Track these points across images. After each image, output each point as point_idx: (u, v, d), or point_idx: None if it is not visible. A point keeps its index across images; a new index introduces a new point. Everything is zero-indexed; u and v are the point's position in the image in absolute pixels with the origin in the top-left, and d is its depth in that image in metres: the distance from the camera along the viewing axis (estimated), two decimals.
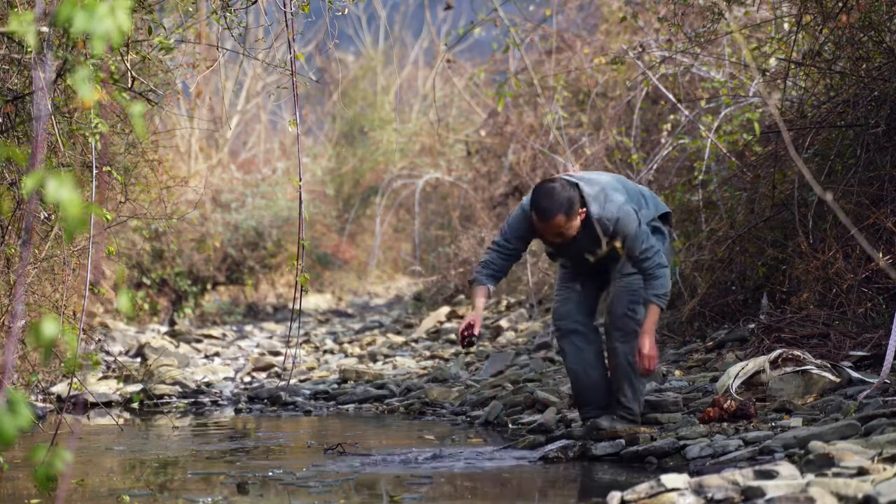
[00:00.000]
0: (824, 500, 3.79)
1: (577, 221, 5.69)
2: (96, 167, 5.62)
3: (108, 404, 8.78)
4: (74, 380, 6.88)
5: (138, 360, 10.65)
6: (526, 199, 5.85)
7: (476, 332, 5.72)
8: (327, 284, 20.04)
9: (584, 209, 5.71)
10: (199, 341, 12.92)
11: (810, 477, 4.13)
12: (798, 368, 6.07)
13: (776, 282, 7.78)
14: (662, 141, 10.01)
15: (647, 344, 5.67)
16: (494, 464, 5.68)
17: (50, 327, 2.11)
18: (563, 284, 6.11)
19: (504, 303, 12.62)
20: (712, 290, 8.27)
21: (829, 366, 6.08)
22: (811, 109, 7.34)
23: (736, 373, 6.11)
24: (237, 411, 8.61)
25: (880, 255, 6.19)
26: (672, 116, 10.06)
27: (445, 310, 12.80)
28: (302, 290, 5.80)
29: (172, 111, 11.56)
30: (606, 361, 6.02)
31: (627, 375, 5.88)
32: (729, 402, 5.77)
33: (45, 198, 2.06)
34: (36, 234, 6.69)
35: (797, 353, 6.11)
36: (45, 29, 4.21)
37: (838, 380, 6.00)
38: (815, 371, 6.03)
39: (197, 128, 14.44)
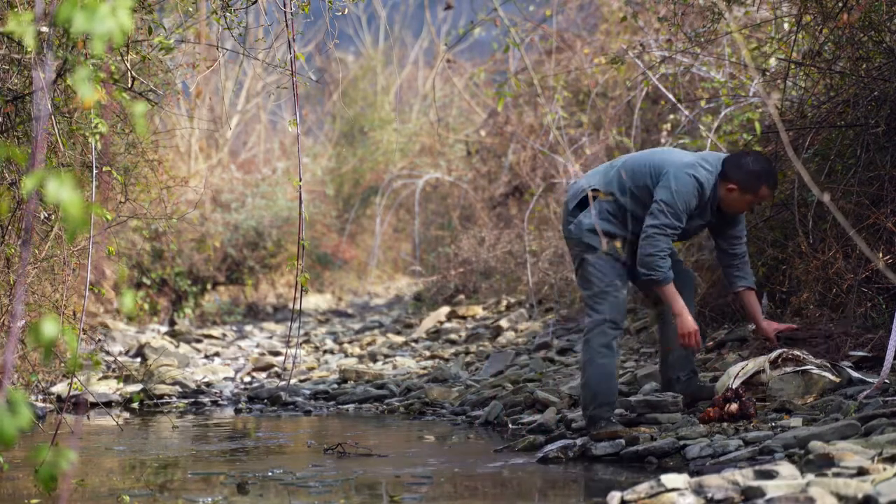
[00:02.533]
0: (824, 500, 3.79)
1: None
2: (96, 167, 5.62)
3: (108, 404, 8.78)
4: (74, 380, 6.88)
5: (138, 360, 10.65)
6: (700, 171, 5.83)
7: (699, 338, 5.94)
8: (327, 284, 20.04)
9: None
10: (199, 341, 12.91)
11: (810, 477, 4.13)
12: (798, 368, 6.07)
13: (776, 282, 7.78)
14: (662, 141, 10.01)
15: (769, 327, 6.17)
16: (494, 464, 5.68)
17: (50, 327, 2.11)
18: (617, 281, 5.94)
19: (504, 303, 12.62)
20: (712, 290, 8.26)
21: (828, 365, 6.08)
22: (811, 109, 7.34)
23: (736, 373, 6.11)
24: (237, 411, 8.61)
25: (880, 255, 6.19)
26: (672, 116, 10.06)
27: (445, 310, 12.80)
28: (302, 290, 5.80)
29: (172, 111, 11.56)
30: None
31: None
32: (729, 406, 5.77)
33: (45, 198, 2.06)
34: (36, 234, 6.69)
35: (797, 353, 6.11)
36: (44, 29, 4.21)
37: (838, 380, 6.00)
38: (816, 371, 6.02)
39: (197, 128, 14.44)
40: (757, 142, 8.23)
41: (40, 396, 8.36)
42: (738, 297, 6.30)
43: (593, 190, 5.96)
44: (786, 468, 4.21)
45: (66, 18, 1.98)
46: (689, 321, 5.85)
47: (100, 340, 11.14)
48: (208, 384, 9.83)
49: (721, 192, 5.86)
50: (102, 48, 2.06)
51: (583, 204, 5.98)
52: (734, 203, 5.88)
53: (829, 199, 4.26)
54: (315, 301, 18.41)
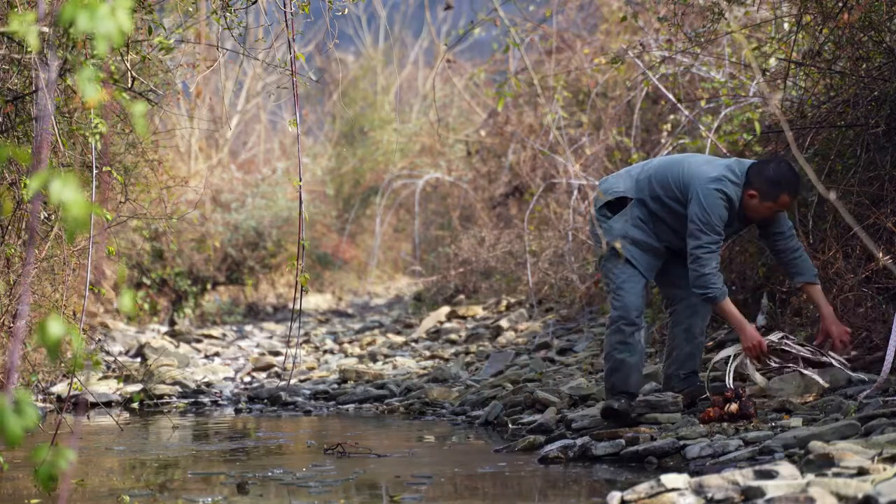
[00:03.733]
0: (824, 500, 3.79)
1: None
2: (96, 167, 5.62)
3: (108, 404, 8.78)
4: (74, 380, 6.88)
5: (138, 360, 10.65)
6: (727, 186, 5.91)
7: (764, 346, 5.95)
8: (327, 284, 20.04)
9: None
10: (199, 341, 12.91)
11: (810, 477, 4.13)
12: (782, 365, 6.06)
13: (776, 282, 7.78)
14: (662, 141, 10.01)
15: (836, 325, 6.05)
16: (494, 464, 5.68)
17: (56, 327, 2.11)
18: (633, 279, 6.08)
19: (504, 303, 12.62)
20: None
21: (818, 355, 6.06)
22: (811, 109, 7.34)
23: (722, 360, 6.12)
24: (237, 411, 8.61)
25: (880, 254, 6.19)
26: (672, 116, 10.06)
27: (445, 310, 12.80)
28: (302, 290, 5.81)
29: (172, 111, 11.56)
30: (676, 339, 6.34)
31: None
32: (729, 406, 5.77)
33: (48, 198, 2.06)
34: (36, 234, 6.70)
35: (775, 337, 6.08)
36: (45, 29, 4.22)
37: (826, 384, 5.99)
38: (807, 372, 6.02)
39: (197, 128, 14.44)
40: (757, 142, 8.23)
41: (40, 396, 8.37)
42: (803, 292, 6.38)
43: (619, 198, 6.14)
44: (786, 468, 4.21)
45: (70, 18, 1.98)
46: (752, 333, 5.95)
47: (100, 340, 11.14)
48: (208, 384, 9.83)
49: (744, 198, 5.92)
50: (105, 48, 2.06)
51: (612, 206, 6.14)
52: (756, 210, 5.94)
53: (835, 197, 4.27)
54: (315, 301, 18.41)
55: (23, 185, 5.94)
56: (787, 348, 6.03)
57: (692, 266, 5.92)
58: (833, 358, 6.03)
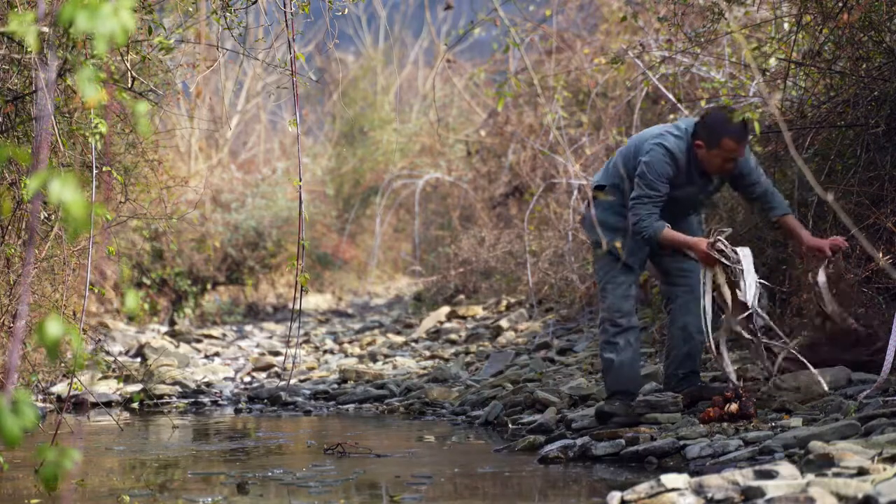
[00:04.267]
0: (824, 500, 3.79)
1: None
2: (96, 167, 5.62)
3: (108, 404, 8.78)
4: (74, 380, 6.88)
5: (138, 360, 10.65)
6: (668, 139, 5.99)
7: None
8: (327, 284, 20.03)
9: None
10: (199, 341, 12.91)
11: (810, 477, 4.13)
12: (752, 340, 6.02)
13: (776, 282, 7.78)
14: None
15: (815, 240, 6.06)
16: (494, 464, 5.68)
17: (55, 327, 2.11)
18: (618, 277, 6.11)
19: (504, 303, 12.62)
20: None
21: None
22: (811, 109, 7.34)
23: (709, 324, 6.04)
24: (237, 411, 8.61)
25: (880, 255, 6.19)
26: (672, 116, 10.05)
27: (445, 310, 12.79)
28: (302, 290, 5.81)
29: (172, 111, 11.56)
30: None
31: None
32: (729, 406, 5.76)
33: (48, 198, 2.06)
34: (36, 234, 6.70)
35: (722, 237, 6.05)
36: (45, 29, 4.21)
37: (826, 385, 5.98)
38: (814, 372, 6.00)
39: (197, 128, 14.44)
40: (757, 141, 8.23)
41: (40, 396, 8.36)
42: (780, 226, 6.34)
43: (596, 188, 6.23)
44: (786, 468, 4.21)
45: (69, 18, 1.98)
46: (701, 246, 5.87)
47: (100, 340, 11.14)
48: (208, 384, 9.83)
49: (696, 151, 6.00)
50: (105, 48, 2.06)
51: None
52: (707, 160, 5.99)
53: (833, 198, 4.26)
54: (315, 301, 18.41)
55: (23, 185, 5.94)
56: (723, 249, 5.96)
57: (629, 217, 6.01)
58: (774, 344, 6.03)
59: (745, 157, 6.04)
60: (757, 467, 4.25)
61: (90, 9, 1.99)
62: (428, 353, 10.56)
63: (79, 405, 8.38)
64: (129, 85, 6.01)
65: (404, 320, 13.99)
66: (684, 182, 6.04)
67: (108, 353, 10.66)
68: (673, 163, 5.98)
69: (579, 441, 5.80)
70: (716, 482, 4.16)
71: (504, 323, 11.25)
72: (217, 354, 12.04)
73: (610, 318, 6.10)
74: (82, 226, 2.04)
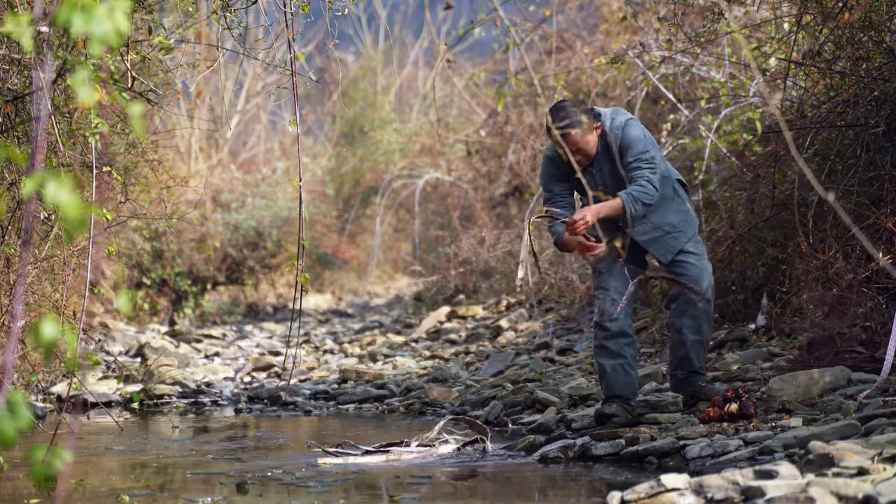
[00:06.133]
0: (824, 500, 3.79)
1: (594, 136, 5.92)
2: (96, 167, 5.62)
3: (108, 404, 8.78)
4: (74, 380, 6.88)
5: (138, 360, 10.64)
6: (546, 147, 6.15)
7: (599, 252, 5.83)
8: (327, 284, 20.04)
9: (599, 124, 5.94)
10: (199, 341, 12.91)
11: (810, 477, 4.13)
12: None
13: (776, 282, 7.78)
14: (662, 141, 10.01)
15: (588, 215, 5.74)
16: (494, 463, 5.68)
17: (50, 328, 2.10)
18: (610, 282, 6.13)
19: (504, 303, 12.62)
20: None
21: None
22: (811, 109, 7.33)
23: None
24: (237, 411, 8.61)
25: (880, 254, 6.19)
26: (672, 116, 10.06)
27: (445, 310, 12.79)
28: (302, 290, 5.80)
29: (172, 111, 11.56)
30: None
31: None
32: (729, 406, 5.76)
33: (44, 199, 2.06)
34: (36, 234, 6.69)
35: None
36: (44, 29, 4.21)
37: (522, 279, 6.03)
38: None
39: (197, 128, 14.44)
40: (757, 142, 8.23)
41: (40, 396, 8.36)
42: None
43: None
44: (786, 468, 4.21)
45: (65, 20, 1.98)
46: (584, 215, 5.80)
47: (100, 340, 11.14)
48: (208, 384, 9.83)
49: None
50: (101, 50, 2.06)
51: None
52: (565, 153, 5.95)
53: (833, 198, 4.26)
54: (315, 301, 18.41)
55: (22, 185, 5.93)
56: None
57: None
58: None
59: (622, 134, 5.92)
60: (757, 467, 4.25)
61: (87, 11, 1.99)
62: (428, 353, 10.56)
63: (78, 405, 8.38)
64: (130, 85, 6.01)
65: (404, 320, 13.99)
66: (574, 177, 6.04)
67: (108, 353, 10.66)
68: (552, 164, 6.08)
69: (579, 441, 5.80)
70: (716, 482, 4.16)
71: (504, 323, 11.25)
72: (217, 354, 12.04)
73: (599, 323, 6.12)
74: (79, 227, 2.04)
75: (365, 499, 5.04)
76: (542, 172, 6.19)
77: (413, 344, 11.55)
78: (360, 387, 9.06)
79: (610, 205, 5.82)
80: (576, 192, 6.22)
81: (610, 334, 6.08)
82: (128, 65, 5.97)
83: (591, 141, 5.93)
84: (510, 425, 6.93)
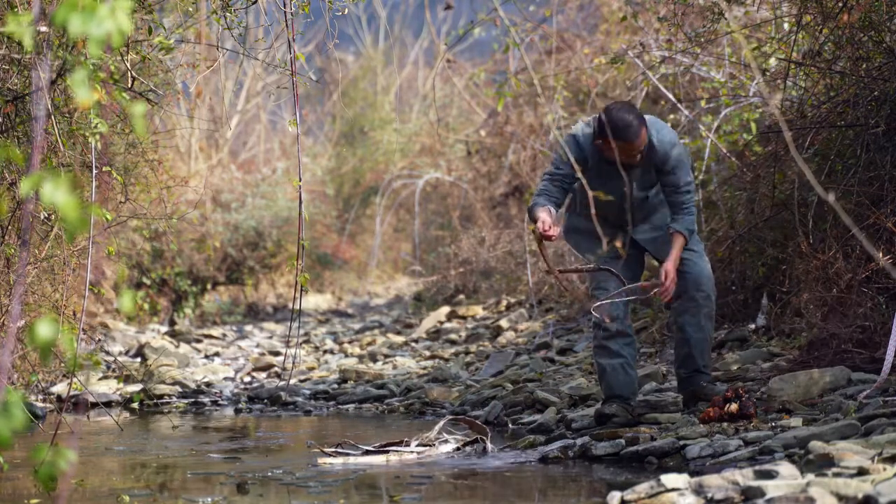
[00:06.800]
0: (824, 500, 3.79)
1: (644, 140, 5.89)
2: (96, 167, 5.62)
3: (108, 404, 8.78)
4: (74, 380, 6.88)
5: (138, 360, 10.64)
6: (577, 126, 6.05)
7: (552, 232, 5.76)
8: (327, 284, 20.04)
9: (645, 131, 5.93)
10: (199, 341, 12.91)
11: (810, 477, 4.13)
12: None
13: (776, 282, 7.78)
14: None
15: (672, 272, 5.90)
16: (494, 464, 5.68)
17: (46, 328, 2.10)
18: (608, 282, 6.10)
19: (504, 303, 12.62)
20: None
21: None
22: (811, 109, 7.33)
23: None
24: (237, 411, 8.61)
25: (880, 255, 6.19)
26: (672, 116, 10.06)
27: (445, 310, 12.79)
28: (302, 290, 5.80)
29: (172, 111, 11.56)
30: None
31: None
32: (729, 406, 5.76)
33: (42, 200, 2.06)
34: (36, 234, 6.69)
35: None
36: (44, 29, 4.21)
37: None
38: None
39: (197, 128, 14.44)
40: (757, 142, 8.23)
41: (40, 396, 8.36)
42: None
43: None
44: (786, 468, 4.21)
45: (63, 20, 1.98)
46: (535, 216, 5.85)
47: (100, 340, 11.14)
48: (208, 384, 9.83)
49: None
50: (100, 50, 2.06)
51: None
52: (610, 155, 5.88)
53: (833, 199, 4.25)
54: (315, 301, 18.41)
55: (21, 186, 5.93)
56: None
57: None
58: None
59: (670, 154, 5.96)
60: (757, 467, 4.25)
61: (85, 11, 1.99)
62: (428, 353, 10.56)
63: (79, 405, 8.38)
64: (129, 85, 6.01)
65: (404, 320, 13.99)
66: (597, 169, 5.97)
67: (108, 353, 10.65)
68: (577, 147, 6.00)
69: (579, 441, 5.80)
70: (716, 482, 4.16)
71: (504, 323, 11.25)
72: (217, 354, 12.04)
73: (598, 324, 6.11)
74: (78, 227, 2.04)
75: (365, 499, 5.04)
76: (560, 150, 6.10)
77: (413, 344, 11.55)
78: (360, 387, 9.06)
79: (679, 248, 5.97)
80: (575, 184, 6.13)
81: (609, 334, 6.07)
82: (128, 65, 5.97)
83: (641, 146, 5.93)
84: (510, 425, 6.93)
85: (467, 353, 10.29)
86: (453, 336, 11.42)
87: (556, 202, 5.95)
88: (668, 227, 6.06)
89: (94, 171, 5.59)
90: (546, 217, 5.80)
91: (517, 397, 7.46)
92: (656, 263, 6.37)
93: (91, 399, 8.59)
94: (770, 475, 4.16)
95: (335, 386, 9.35)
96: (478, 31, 11.04)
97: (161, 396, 9.14)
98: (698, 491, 4.15)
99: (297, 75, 5.83)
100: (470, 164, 15.68)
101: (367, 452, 5.88)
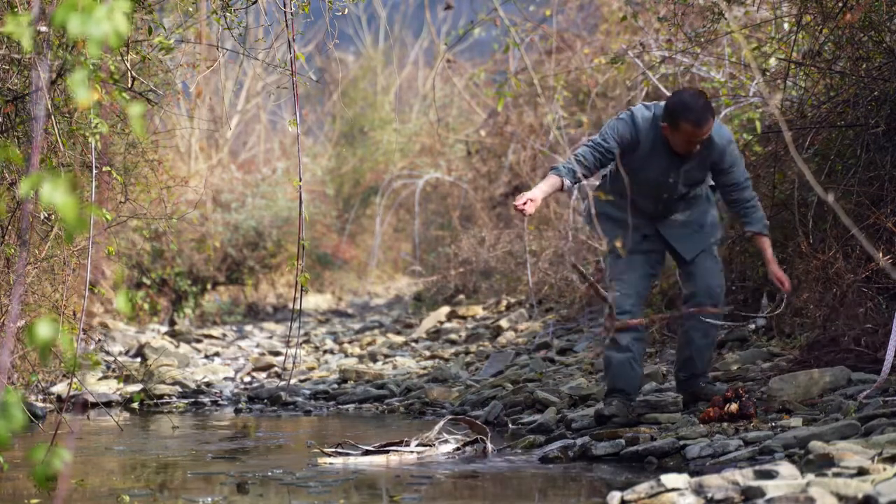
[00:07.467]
0: (824, 500, 3.79)
1: (710, 129, 5.83)
2: (96, 167, 5.62)
3: (108, 404, 8.78)
4: (74, 380, 6.88)
5: (138, 360, 10.64)
6: (638, 108, 5.97)
7: (529, 208, 5.64)
8: (327, 284, 20.03)
9: None
10: (199, 341, 12.91)
11: (810, 477, 4.13)
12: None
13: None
14: None
15: (783, 277, 6.01)
16: (494, 464, 5.68)
17: (45, 328, 2.10)
18: (625, 275, 6.10)
19: (504, 303, 12.62)
20: None
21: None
22: (811, 109, 7.33)
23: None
24: (237, 411, 8.61)
25: (880, 255, 6.19)
26: None
27: (445, 310, 12.79)
28: (302, 290, 5.80)
29: (172, 111, 11.56)
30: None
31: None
32: (729, 406, 5.76)
33: (42, 200, 2.06)
34: (36, 234, 6.69)
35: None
36: (43, 29, 4.21)
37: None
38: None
39: (197, 128, 14.44)
40: (757, 141, 8.22)
41: (40, 396, 8.36)
42: (752, 241, 6.38)
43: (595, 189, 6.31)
44: (786, 468, 4.21)
45: (62, 21, 1.98)
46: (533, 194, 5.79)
47: (100, 340, 11.14)
48: (208, 384, 9.83)
49: (665, 131, 5.91)
50: (98, 51, 2.06)
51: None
52: (673, 141, 5.87)
53: (833, 199, 4.25)
54: (315, 301, 18.41)
55: (20, 186, 5.93)
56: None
57: None
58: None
59: (727, 150, 5.95)
60: (757, 467, 4.25)
61: (84, 11, 1.98)
62: (428, 353, 10.56)
63: (78, 405, 8.37)
64: (129, 85, 6.01)
65: (404, 320, 13.99)
66: (647, 155, 5.93)
67: (108, 353, 10.65)
68: (633, 127, 5.91)
69: (579, 441, 5.80)
70: (716, 482, 4.15)
71: (504, 323, 11.25)
72: (217, 354, 12.04)
73: (612, 316, 6.10)
74: (77, 228, 2.04)
75: (365, 499, 5.04)
76: (614, 123, 5.95)
77: (413, 344, 11.55)
78: (360, 387, 9.06)
79: (768, 248, 6.06)
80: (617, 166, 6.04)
81: (622, 325, 6.06)
82: (128, 65, 5.97)
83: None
84: (510, 425, 6.93)
85: (467, 353, 10.29)
86: (453, 336, 11.42)
87: (585, 171, 5.86)
88: (746, 230, 6.05)
89: (94, 171, 5.59)
90: (535, 194, 5.71)
91: (517, 397, 7.46)
92: (675, 261, 6.33)
93: (91, 399, 8.59)
94: (770, 475, 4.16)
95: (335, 386, 9.35)
96: (478, 31, 11.04)
97: (161, 396, 9.14)
98: (698, 491, 4.15)
99: (297, 75, 5.83)
100: (470, 164, 15.68)
101: (367, 452, 5.88)
